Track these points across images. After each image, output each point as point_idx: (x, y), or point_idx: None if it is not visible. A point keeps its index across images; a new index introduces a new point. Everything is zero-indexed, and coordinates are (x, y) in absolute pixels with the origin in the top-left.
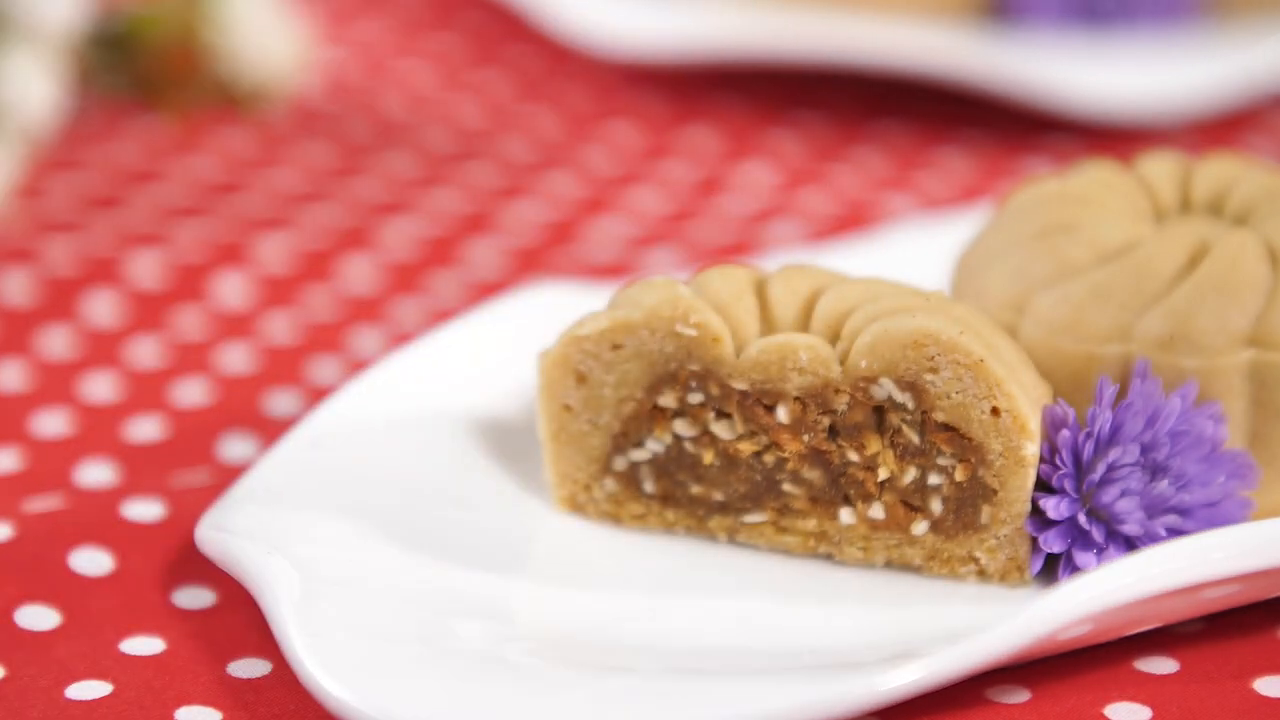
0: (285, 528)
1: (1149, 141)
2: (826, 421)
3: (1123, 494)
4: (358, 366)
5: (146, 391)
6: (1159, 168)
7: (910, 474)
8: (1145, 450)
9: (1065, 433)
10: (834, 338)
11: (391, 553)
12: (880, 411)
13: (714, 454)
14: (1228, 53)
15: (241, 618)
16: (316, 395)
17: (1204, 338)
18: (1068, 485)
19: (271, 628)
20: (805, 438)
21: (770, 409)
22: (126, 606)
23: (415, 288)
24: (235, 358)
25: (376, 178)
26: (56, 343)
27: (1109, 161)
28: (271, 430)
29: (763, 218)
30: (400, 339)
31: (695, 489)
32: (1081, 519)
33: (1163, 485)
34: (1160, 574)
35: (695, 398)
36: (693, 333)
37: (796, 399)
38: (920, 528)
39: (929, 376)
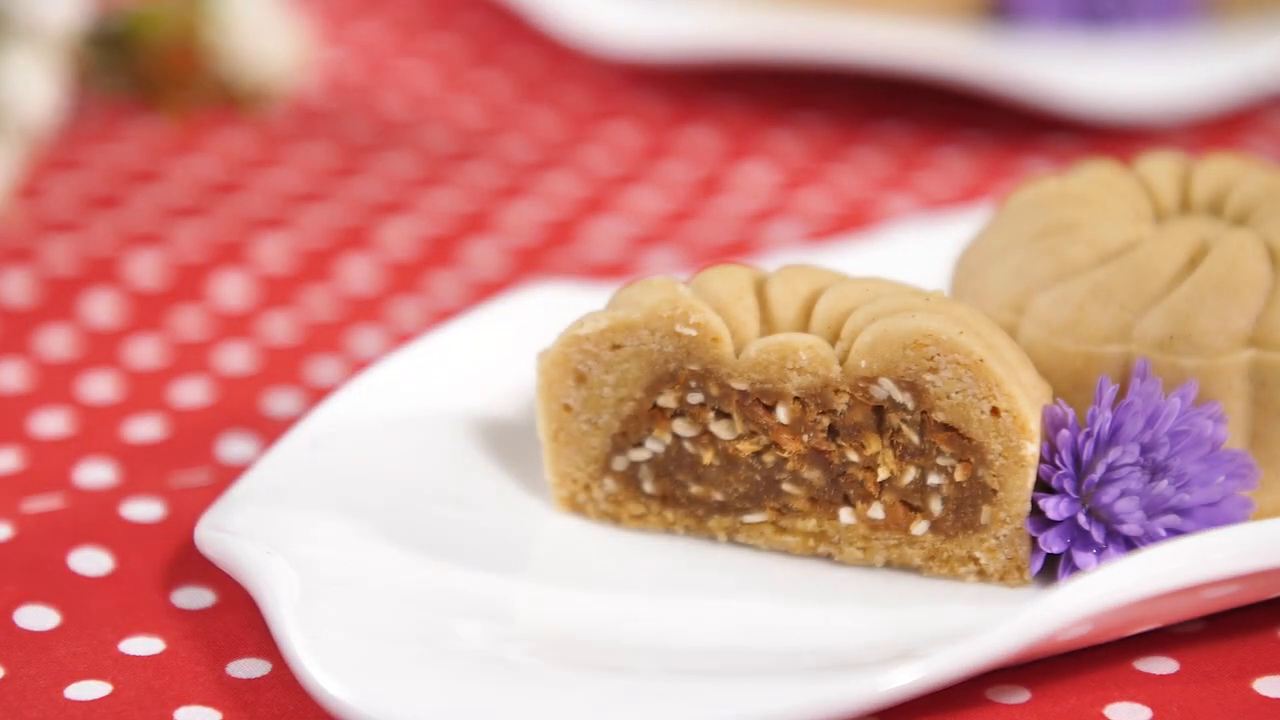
0: (285, 528)
1: (1149, 141)
2: (826, 421)
3: (1123, 494)
4: (358, 366)
5: (146, 391)
6: (1159, 168)
7: (910, 474)
8: (1145, 450)
9: (1065, 433)
10: (834, 338)
11: (391, 553)
12: (880, 411)
13: (714, 454)
14: (1228, 53)
15: (241, 618)
16: (316, 395)
17: (1204, 338)
18: (1067, 485)
19: (271, 628)
20: (805, 438)
21: (770, 409)
22: (126, 606)
23: (415, 288)
24: (235, 358)
25: (376, 178)
26: (56, 343)
27: (1109, 161)
28: (271, 430)
29: (763, 218)
30: (400, 339)
31: (695, 489)
32: (1081, 519)
33: (1163, 485)
34: (1160, 574)
35: (695, 398)
36: (692, 333)
37: (796, 399)
38: (920, 528)
39: (929, 376)
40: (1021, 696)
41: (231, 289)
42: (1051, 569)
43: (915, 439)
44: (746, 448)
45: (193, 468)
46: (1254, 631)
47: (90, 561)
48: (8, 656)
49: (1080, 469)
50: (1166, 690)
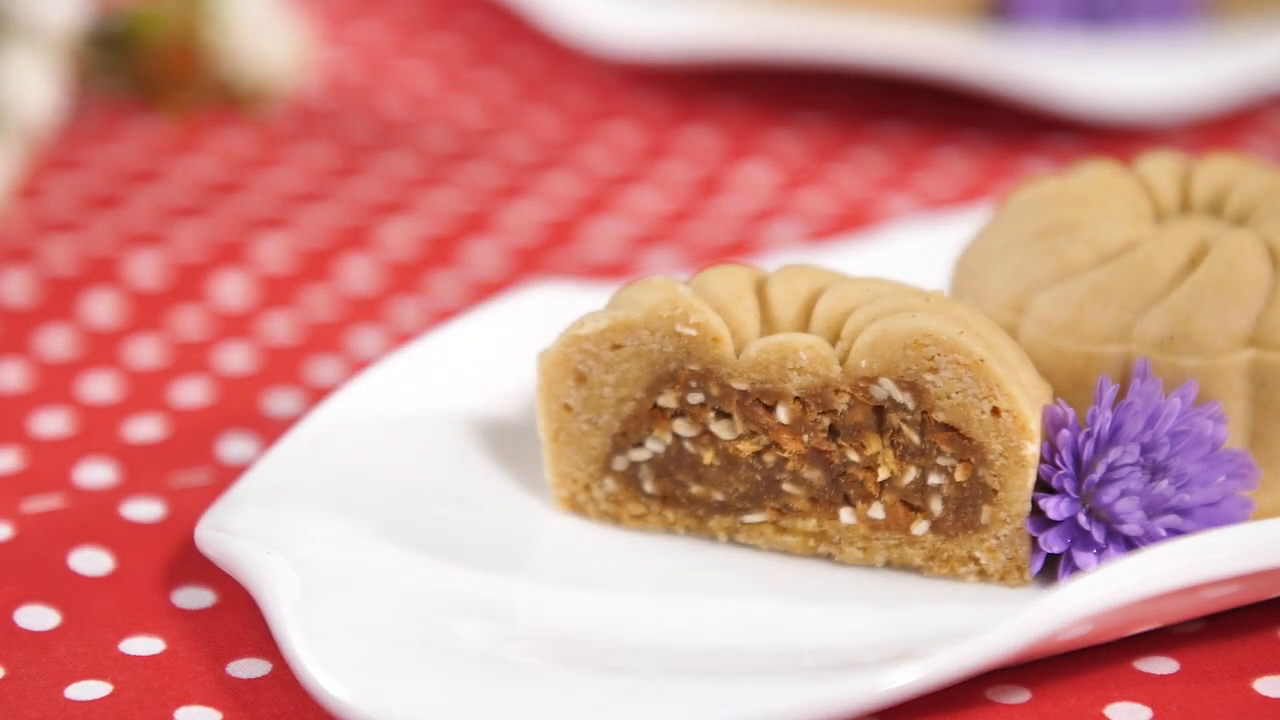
0: (285, 528)
1: (1149, 141)
2: (826, 421)
3: (1123, 494)
4: (358, 366)
5: (146, 391)
6: (1159, 168)
7: (910, 474)
8: (1145, 450)
9: (1065, 433)
10: (834, 338)
11: (391, 553)
12: (880, 411)
13: (714, 454)
14: (1228, 53)
15: (241, 618)
16: (316, 395)
17: (1204, 338)
18: (1068, 485)
19: (271, 628)
20: (805, 438)
21: (770, 409)
22: (126, 606)
23: (415, 288)
24: (235, 358)
25: (376, 178)
26: (56, 343)
27: (1109, 161)
28: (271, 430)
29: (763, 218)
30: (400, 339)
31: (695, 489)
32: (1081, 519)
33: (1163, 485)
34: (1160, 574)
35: (695, 398)
36: (692, 333)
37: (796, 399)
38: (920, 528)
39: (929, 376)
40: (1021, 696)
41: (231, 289)
42: (1051, 569)
43: (915, 439)
44: (747, 448)
45: (193, 468)
46: (1254, 631)
47: (90, 561)
48: (8, 656)
49: (1080, 469)
50: (1166, 690)
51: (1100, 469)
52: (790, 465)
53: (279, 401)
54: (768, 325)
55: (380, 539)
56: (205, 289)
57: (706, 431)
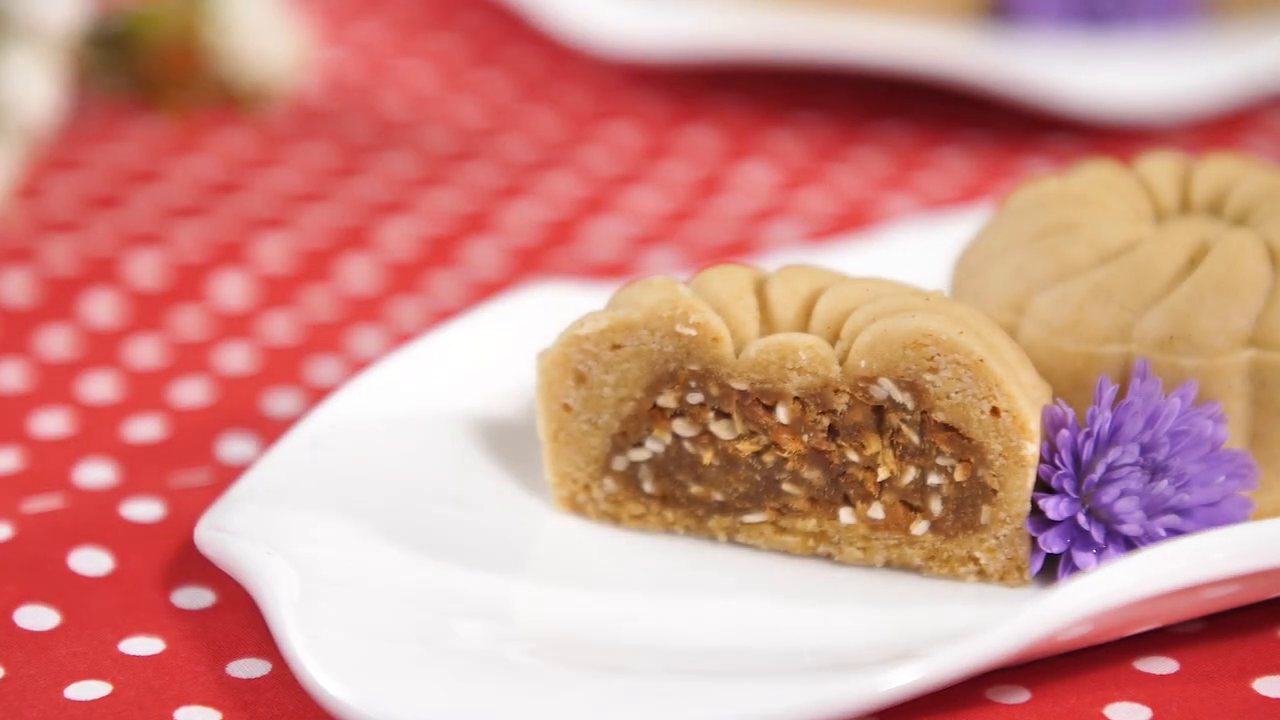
0: (285, 528)
1: (1149, 141)
2: (826, 421)
3: (1122, 494)
4: (358, 366)
5: (146, 391)
6: (1159, 168)
7: (910, 474)
8: (1145, 450)
9: (1065, 433)
10: (834, 338)
11: (391, 553)
12: (880, 411)
13: (714, 454)
14: (1228, 53)
15: (241, 618)
16: (316, 395)
17: (1204, 338)
18: (1067, 485)
19: (271, 628)
20: (805, 438)
21: (770, 409)
22: (126, 606)
23: (415, 288)
24: (235, 358)
25: (376, 178)
26: (56, 343)
27: (1109, 161)
28: (271, 430)
29: (763, 218)
30: (400, 339)
31: (695, 489)
32: (1081, 519)
33: (1163, 485)
34: (1160, 574)
35: (695, 398)
36: (692, 333)
37: (796, 399)
38: (920, 528)
39: (929, 376)
40: (1021, 696)
41: (231, 289)
42: (1051, 569)
43: (915, 439)
44: (746, 448)
45: (193, 468)
46: (1254, 631)
47: (90, 561)
48: (8, 656)
49: (1080, 469)
50: (1166, 690)
51: (1100, 469)
52: (790, 465)
53: (279, 401)
54: (768, 325)
55: (380, 539)
56: (205, 289)
57: (706, 431)
